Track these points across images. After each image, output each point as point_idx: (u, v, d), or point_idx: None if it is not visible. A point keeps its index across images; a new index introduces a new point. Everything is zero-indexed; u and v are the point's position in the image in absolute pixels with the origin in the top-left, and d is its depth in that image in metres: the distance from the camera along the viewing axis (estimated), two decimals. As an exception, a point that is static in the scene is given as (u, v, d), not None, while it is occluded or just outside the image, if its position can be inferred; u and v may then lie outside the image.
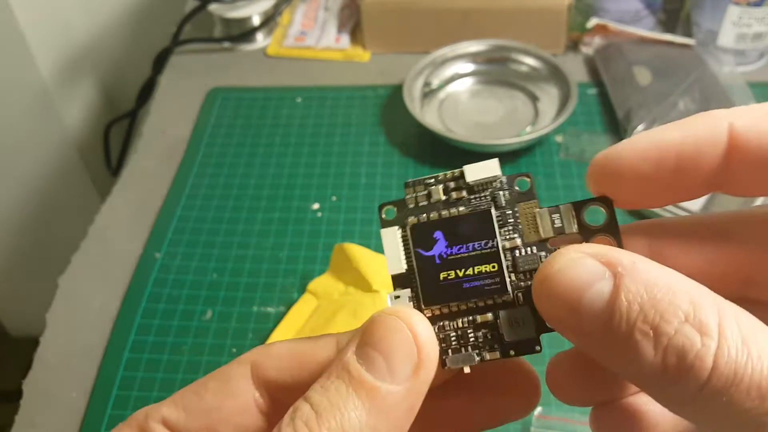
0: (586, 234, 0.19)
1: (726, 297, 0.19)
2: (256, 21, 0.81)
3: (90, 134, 1.01)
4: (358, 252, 0.52)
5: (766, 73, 0.72)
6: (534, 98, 0.70)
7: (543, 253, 0.20)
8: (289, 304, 0.53)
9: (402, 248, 0.21)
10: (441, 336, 0.20)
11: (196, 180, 0.65)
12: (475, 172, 0.20)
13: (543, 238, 0.20)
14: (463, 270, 0.20)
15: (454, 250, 0.20)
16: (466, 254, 0.20)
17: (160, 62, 0.81)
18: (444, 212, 0.20)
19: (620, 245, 0.19)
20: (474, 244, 0.20)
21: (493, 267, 0.20)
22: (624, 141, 0.19)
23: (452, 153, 0.65)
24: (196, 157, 0.68)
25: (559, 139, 0.66)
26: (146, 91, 0.82)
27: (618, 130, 0.66)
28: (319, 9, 0.85)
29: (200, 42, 0.82)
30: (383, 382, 0.17)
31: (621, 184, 0.19)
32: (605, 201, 0.19)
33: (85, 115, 1.00)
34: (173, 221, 0.61)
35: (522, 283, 0.20)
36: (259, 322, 0.53)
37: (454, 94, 0.71)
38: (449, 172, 0.21)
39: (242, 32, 0.81)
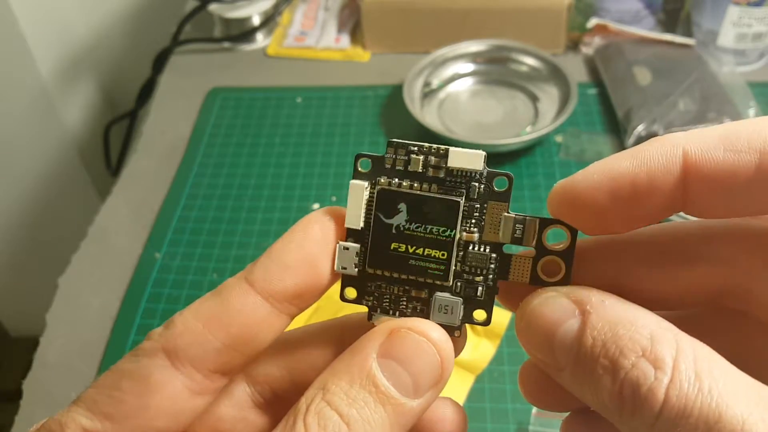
0: (541, 252, 0.20)
1: (700, 307, 0.20)
2: (256, 21, 0.81)
3: (90, 134, 1.01)
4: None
5: (766, 73, 0.72)
6: (534, 98, 0.70)
7: (494, 255, 0.20)
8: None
9: (364, 207, 0.21)
10: (376, 294, 0.21)
11: (196, 180, 0.65)
12: (459, 158, 0.20)
13: (500, 242, 0.20)
14: (414, 247, 0.20)
15: (413, 226, 0.20)
16: (422, 234, 0.20)
17: (160, 62, 0.81)
18: (416, 185, 0.20)
19: (568, 274, 0.20)
20: (432, 228, 0.20)
21: (443, 255, 0.20)
22: (579, 173, 0.19)
23: (452, 153, 0.65)
24: (196, 157, 0.68)
25: (559, 139, 0.66)
26: (146, 91, 0.82)
27: (618, 130, 0.66)
28: (319, 9, 0.85)
29: (200, 42, 0.82)
30: (408, 399, 0.18)
31: (579, 215, 0.19)
32: (571, 229, 0.20)
33: (85, 115, 1.00)
34: (173, 221, 0.61)
35: (465, 275, 0.20)
36: (259, 322, 0.53)
37: (454, 94, 0.71)
38: (435, 146, 0.21)
39: (242, 32, 0.81)
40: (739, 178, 0.17)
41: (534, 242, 0.20)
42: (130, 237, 0.60)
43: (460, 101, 0.71)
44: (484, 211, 0.20)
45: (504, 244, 0.20)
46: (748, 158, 0.17)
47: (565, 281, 0.20)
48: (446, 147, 0.20)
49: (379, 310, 0.21)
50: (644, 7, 0.75)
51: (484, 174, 0.20)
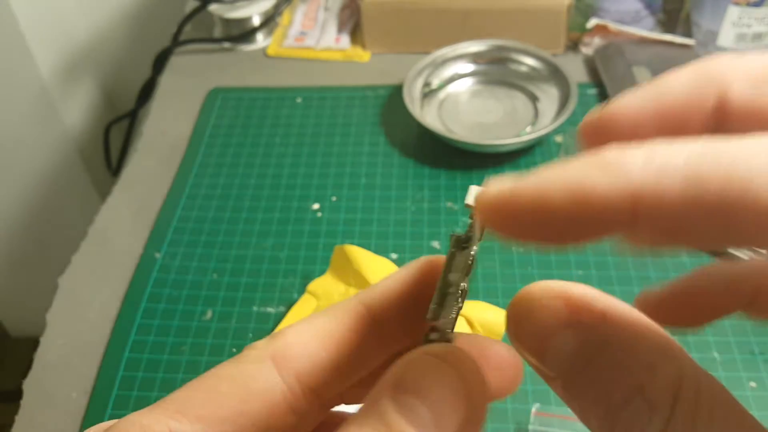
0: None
1: None
2: (256, 21, 0.81)
3: (90, 134, 1.01)
4: (358, 253, 0.52)
5: (766, 73, 0.72)
6: (534, 98, 0.70)
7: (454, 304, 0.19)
8: (289, 304, 0.53)
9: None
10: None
11: (196, 180, 0.65)
12: (468, 196, 0.19)
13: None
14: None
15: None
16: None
17: (160, 62, 0.81)
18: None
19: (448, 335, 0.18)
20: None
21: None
22: (510, 189, 0.16)
23: (452, 153, 0.65)
24: (196, 158, 0.68)
25: (559, 139, 0.66)
26: (146, 92, 0.82)
27: (618, 130, 0.66)
28: (319, 9, 0.85)
29: (200, 42, 0.82)
30: None
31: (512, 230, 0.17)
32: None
33: (85, 115, 1.00)
34: (173, 221, 0.61)
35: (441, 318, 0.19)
36: (259, 322, 0.53)
37: (454, 95, 0.72)
38: None
39: (242, 32, 0.81)
40: (698, 229, 0.14)
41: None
42: (131, 237, 0.60)
43: (460, 101, 0.71)
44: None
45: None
46: (712, 214, 0.13)
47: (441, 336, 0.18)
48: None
49: None
50: (644, 7, 0.75)
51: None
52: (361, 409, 0.16)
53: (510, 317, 0.17)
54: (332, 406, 0.22)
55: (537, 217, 0.15)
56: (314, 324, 0.19)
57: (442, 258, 0.20)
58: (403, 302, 0.20)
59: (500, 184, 0.16)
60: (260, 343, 0.19)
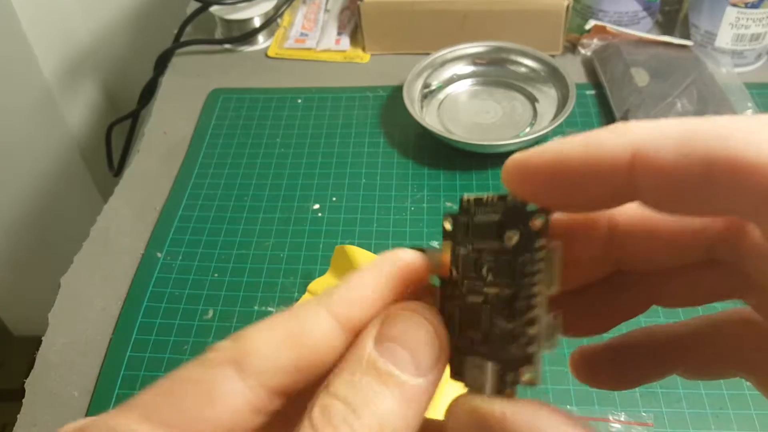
0: None
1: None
2: (257, 23, 0.81)
3: (92, 135, 1.02)
4: (358, 254, 0.52)
5: (764, 73, 0.73)
6: (533, 99, 0.70)
7: None
8: (290, 304, 0.54)
9: None
10: None
11: (198, 180, 0.66)
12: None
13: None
14: None
15: None
16: None
17: (161, 63, 0.81)
18: None
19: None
20: None
21: None
22: (534, 149, 0.19)
23: (451, 154, 0.65)
24: (198, 158, 0.68)
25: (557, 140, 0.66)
26: (148, 92, 0.82)
27: (616, 130, 0.66)
28: (319, 11, 0.85)
29: (202, 43, 0.82)
30: (410, 377, 0.18)
31: (528, 190, 0.19)
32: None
33: (87, 115, 1.01)
34: (175, 221, 0.62)
35: None
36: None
37: (454, 95, 0.72)
38: None
39: (243, 34, 0.81)
40: (686, 183, 0.16)
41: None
42: (132, 237, 0.61)
43: (460, 102, 0.71)
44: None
45: None
46: (696, 166, 0.16)
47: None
48: None
49: None
50: (642, 8, 0.75)
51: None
52: (348, 359, 0.19)
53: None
54: (306, 397, 0.22)
55: (556, 169, 0.18)
56: (275, 325, 0.20)
57: (415, 256, 0.21)
58: (375, 312, 0.20)
59: (518, 154, 0.19)
60: (223, 345, 0.19)
